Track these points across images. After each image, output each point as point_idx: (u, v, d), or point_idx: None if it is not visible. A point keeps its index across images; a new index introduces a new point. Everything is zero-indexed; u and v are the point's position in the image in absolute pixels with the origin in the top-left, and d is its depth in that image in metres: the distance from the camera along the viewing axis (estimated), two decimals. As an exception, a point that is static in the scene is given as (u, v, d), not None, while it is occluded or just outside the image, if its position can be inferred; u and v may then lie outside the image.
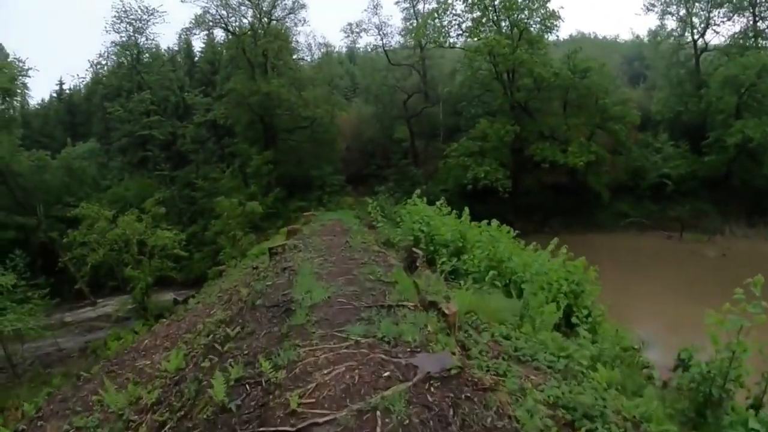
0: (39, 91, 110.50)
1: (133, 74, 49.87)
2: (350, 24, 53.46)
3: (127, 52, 48.58)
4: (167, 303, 38.20)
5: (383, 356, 5.94)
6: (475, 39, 41.66)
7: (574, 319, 10.23)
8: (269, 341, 7.12)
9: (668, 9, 48.78)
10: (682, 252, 37.13)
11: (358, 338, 6.52)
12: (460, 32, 44.33)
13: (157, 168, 48.85)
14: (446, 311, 7.19)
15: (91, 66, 47.12)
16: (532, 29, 41.91)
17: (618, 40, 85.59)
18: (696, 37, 47.68)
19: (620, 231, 42.51)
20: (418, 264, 11.33)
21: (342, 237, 16.99)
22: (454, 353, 5.88)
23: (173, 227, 38.09)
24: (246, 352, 6.94)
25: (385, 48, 54.74)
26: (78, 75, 48.52)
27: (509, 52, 38.18)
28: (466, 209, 15.71)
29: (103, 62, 47.55)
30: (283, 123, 48.37)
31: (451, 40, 45.13)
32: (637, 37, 79.50)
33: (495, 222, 16.19)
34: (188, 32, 46.37)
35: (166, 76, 53.45)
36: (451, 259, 13.58)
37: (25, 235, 44.39)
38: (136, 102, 47.93)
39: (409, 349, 6.08)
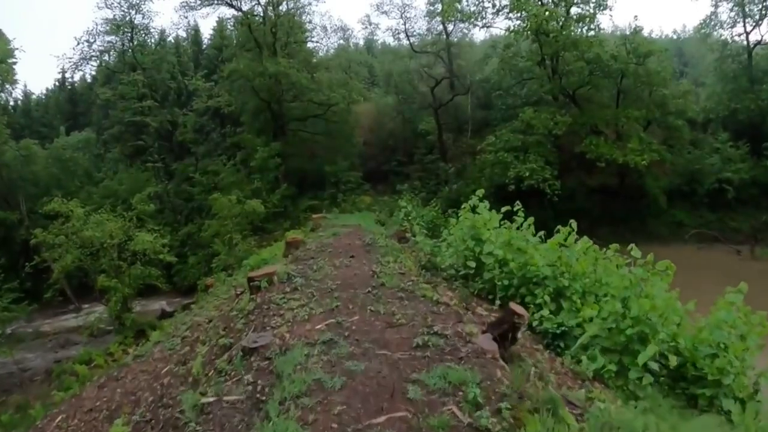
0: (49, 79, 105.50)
1: (125, 56, 44.67)
2: (371, 6, 48.10)
3: (121, 30, 43.17)
4: (154, 315, 34.33)
5: None
6: (518, 15, 35.83)
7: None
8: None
9: (726, -5, 43.01)
10: (757, 271, 31.20)
11: None
12: (496, 10, 38.59)
13: (149, 160, 43.58)
14: None
15: (78, 44, 41.89)
16: (580, 7, 35.98)
17: (653, 36, 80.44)
18: (749, 28, 42.78)
19: (678, 243, 36.38)
20: (519, 335, 5.79)
21: (363, 256, 11.47)
22: None
23: (162, 227, 33.32)
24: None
25: (408, 33, 49.36)
26: (65, 55, 43.24)
27: (559, 29, 32.44)
28: (574, 223, 9.93)
29: (92, 40, 42.22)
30: (293, 111, 43.27)
31: (486, 21, 39.42)
32: (675, 32, 74.56)
33: (585, 239, 10.48)
34: (187, 7, 40.93)
35: (163, 57, 48.28)
36: (552, 311, 8.21)
37: (7, 231, 41.07)
38: (127, 84, 42.70)
39: None
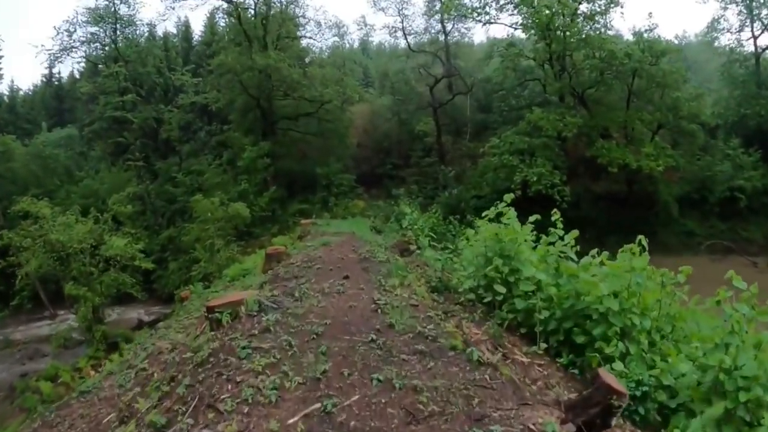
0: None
1: (107, 48, 42.18)
2: (368, 1, 46.19)
3: (104, 21, 40.63)
4: (130, 324, 31.43)
5: None
6: (523, 11, 33.71)
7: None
8: None
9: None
10: (777, 284, 29.08)
11: None
12: (499, 6, 36.53)
13: (130, 159, 41.14)
14: None
15: (58, 33, 39.41)
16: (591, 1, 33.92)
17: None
18: (758, 32, 41.73)
19: (689, 254, 34.35)
20: (612, 422, 3.57)
21: (359, 275, 9.16)
22: None
23: (142, 230, 31.12)
24: None
25: (405, 32, 47.33)
26: (43, 46, 40.78)
27: (569, 24, 30.40)
28: (643, 240, 7.66)
29: (72, 30, 39.69)
30: (283, 109, 40.99)
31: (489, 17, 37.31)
32: (677, 37, 73.47)
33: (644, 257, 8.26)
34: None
35: (149, 51, 45.84)
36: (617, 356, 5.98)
37: (-22, 231, 38.10)
38: (108, 77, 40.21)
39: None
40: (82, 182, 44.09)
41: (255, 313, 6.46)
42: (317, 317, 6.27)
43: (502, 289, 7.94)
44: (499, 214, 9.05)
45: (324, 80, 37.16)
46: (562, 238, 8.61)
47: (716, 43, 46.68)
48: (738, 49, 43.54)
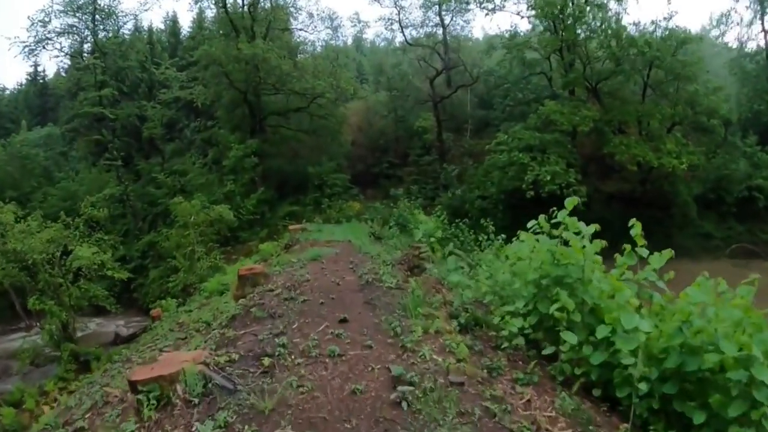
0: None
1: (86, 40, 39.51)
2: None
3: (81, 11, 37.82)
4: (107, 339, 28.49)
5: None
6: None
7: None
8: None
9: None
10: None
11: None
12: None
13: (109, 158, 38.47)
14: None
15: (33, 24, 36.67)
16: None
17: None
18: None
19: (707, 257, 31.96)
20: None
21: (363, 315, 6.48)
22: None
23: (122, 235, 28.49)
24: None
25: (402, 24, 44.99)
26: (17, 38, 38.10)
27: (584, 7, 28.04)
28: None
29: (47, 20, 36.94)
30: (273, 104, 38.40)
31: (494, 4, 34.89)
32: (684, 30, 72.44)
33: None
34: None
35: (131, 44, 43.14)
36: None
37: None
38: (82, 69, 37.46)
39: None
40: (59, 184, 41.96)
41: (195, 400, 3.93)
42: (296, 419, 3.70)
43: (573, 339, 5.48)
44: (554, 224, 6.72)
45: (316, 72, 34.48)
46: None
47: (722, 39, 46.86)
48: (747, 44, 42.75)
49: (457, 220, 21.96)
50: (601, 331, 5.32)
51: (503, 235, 17.63)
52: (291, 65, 33.69)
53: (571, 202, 6.84)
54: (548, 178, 27.41)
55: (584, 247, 6.69)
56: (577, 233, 6.92)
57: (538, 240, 7.12)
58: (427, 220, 16.86)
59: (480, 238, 19.66)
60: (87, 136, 41.43)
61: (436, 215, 22.78)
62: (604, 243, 6.42)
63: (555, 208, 6.92)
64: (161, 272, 30.98)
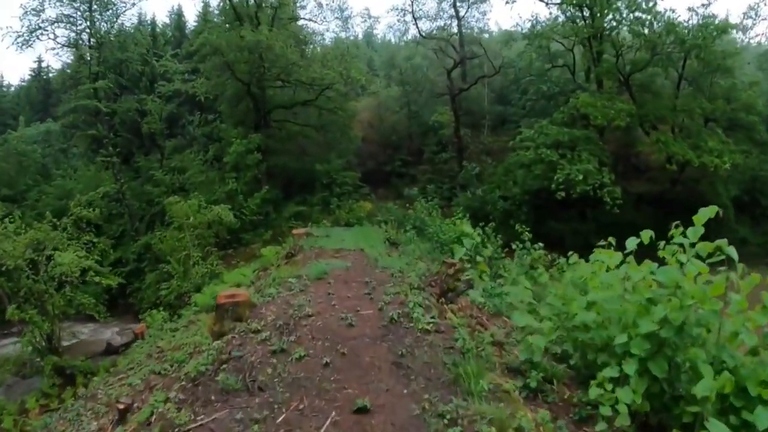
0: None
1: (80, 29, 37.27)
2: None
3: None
4: (98, 348, 26.16)
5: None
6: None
7: None
8: None
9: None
10: None
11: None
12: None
13: (102, 154, 36.34)
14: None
15: (26, 12, 34.59)
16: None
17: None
18: None
19: (747, 265, 29.57)
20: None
21: (390, 389, 4.17)
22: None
23: (103, 239, 26.30)
24: None
25: (415, 15, 42.57)
26: (9, 27, 36.02)
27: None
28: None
29: (40, 8, 34.80)
30: (278, 97, 36.06)
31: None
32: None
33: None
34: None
35: (132, 35, 40.99)
36: None
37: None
38: (78, 60, 35.34)
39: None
40: (54, 182, 40.12)
41: None
42: None
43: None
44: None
45: (325, 61, 32.06)
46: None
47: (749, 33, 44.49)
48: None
49: (481, 224, 19.68)
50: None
51: (540, 243, 15.34)
52: (297, 54, 31.34)
53: (709, 211, 4.73)
54: (580, 177, 24.88)
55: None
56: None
57: (652, 272, 5.05)
58: (472, 232, 14.36)
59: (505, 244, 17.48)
60: (85, 131, 39.34)
61: (459, 218, 20.48)
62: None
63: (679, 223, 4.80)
64: (157, 277, 28.86)
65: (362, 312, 6.51)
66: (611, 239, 8.19)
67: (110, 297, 28.42)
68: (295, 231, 17.87)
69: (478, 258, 11.90)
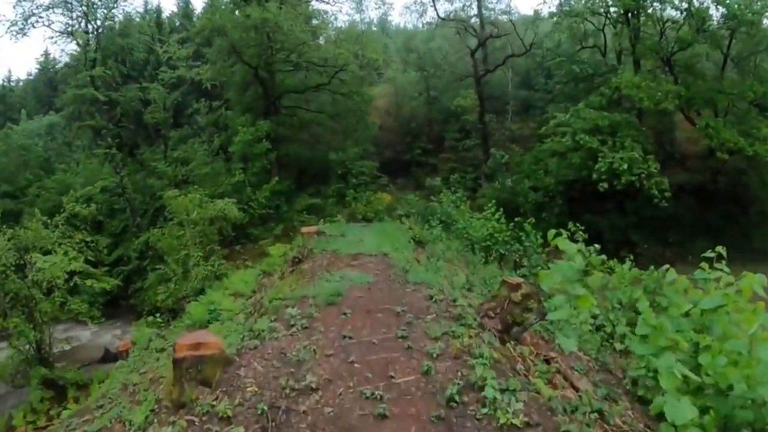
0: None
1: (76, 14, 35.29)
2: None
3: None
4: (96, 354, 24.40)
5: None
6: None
7: None
8: None
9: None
10: None
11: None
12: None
13: (101, 145, 34.46)
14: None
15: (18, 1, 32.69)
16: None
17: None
18: None
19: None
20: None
21: None
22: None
23: (96, 237, 24.34)
24: None
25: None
26: (3, 16, 34.22)
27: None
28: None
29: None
30: (288, 80, 33.77)
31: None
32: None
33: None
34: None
35: (135, 23, 39.14)
36: None
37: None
38: (82, 50, 33.33)
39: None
40: (55, 176, 38.42)
41: None
42: None
43: None
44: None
45: (338, 41, 29.69)
46: None
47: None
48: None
49: (516, 219, 17.43)
50: None
51: (597, 245, 12.92)
52: (308, 34, 29.06)
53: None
54: (625, 166, 22.24)
55: None
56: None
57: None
58: (573, 249, 11.78)
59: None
60: (86, 122, 37.53)
61: (490, 211, 18.10)
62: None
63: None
64: (159, 277, 26.97)
65: (398, 380, 4.16)
66: (720, 249, 5.90)
67: (112, 298, 26.83)
68: (304, 229, 15.46)
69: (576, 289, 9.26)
